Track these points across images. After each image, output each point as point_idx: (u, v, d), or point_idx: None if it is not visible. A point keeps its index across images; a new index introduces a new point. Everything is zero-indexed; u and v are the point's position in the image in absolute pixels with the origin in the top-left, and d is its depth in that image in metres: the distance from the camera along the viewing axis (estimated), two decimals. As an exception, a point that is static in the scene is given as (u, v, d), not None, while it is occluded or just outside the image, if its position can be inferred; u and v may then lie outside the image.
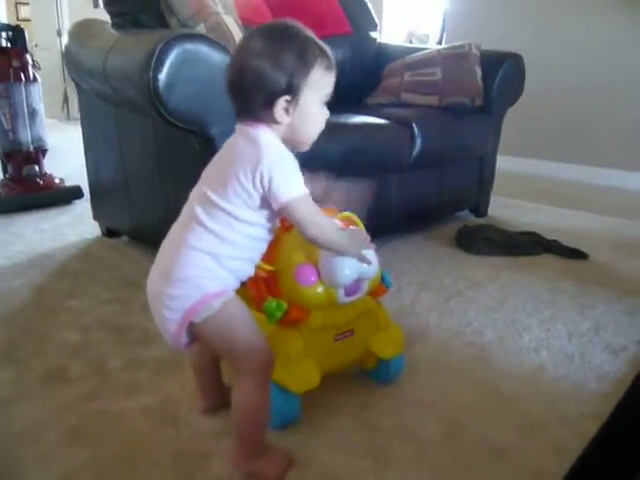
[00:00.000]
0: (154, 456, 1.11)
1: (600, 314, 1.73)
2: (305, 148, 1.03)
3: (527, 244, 2.28)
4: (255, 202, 0.94)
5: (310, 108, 0.97)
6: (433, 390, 1.34)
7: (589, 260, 2.20)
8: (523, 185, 3.46)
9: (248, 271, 1.04)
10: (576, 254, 2.22)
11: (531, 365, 1.45)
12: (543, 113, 3.67)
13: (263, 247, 1.04)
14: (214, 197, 0.94)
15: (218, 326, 0.97)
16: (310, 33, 0.98)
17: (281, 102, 0.94)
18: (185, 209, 1.00)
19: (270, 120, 0.96)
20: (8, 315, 1.72)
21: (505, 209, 2.87)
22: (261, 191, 0.93)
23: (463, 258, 2.20)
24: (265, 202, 0.95)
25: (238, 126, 0.99)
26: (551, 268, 2.11)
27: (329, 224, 1.03)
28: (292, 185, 0.94)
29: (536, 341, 1.57)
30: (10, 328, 1.64)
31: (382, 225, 2.22)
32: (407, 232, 2.42)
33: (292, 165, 0.95)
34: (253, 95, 0.95)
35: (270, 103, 0.94)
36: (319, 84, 0.96)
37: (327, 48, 0.98)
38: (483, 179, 2.67)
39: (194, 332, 0.98)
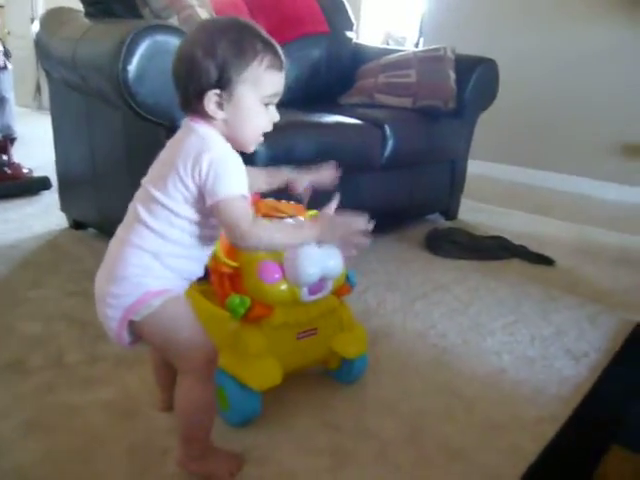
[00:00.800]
0: (109, 450, 1.10)
1: (563, 319, 1.76)
2: (248, 148, 0.98)
3: (495, 248, 2.31)
4: (194, 197, 0.91)
5: (247, 106, 0.92)
6: (395, 391, 1.35)
7: (555, 266, 2.23)
8: (493, 190, 3.50)
9: (195, 271, 1.01)
10: (542, 259, 2.25)
11: (493, 368, 1.47)
12: (515, 119, 3.72)
13: (209, 246, 1.00)
14: (155, 192, 0.92)
15: (157, 324, 0.95)
16: (259, 29, 0.93)
17: (211, 95, 0.90)
18: (130, 208, 0.97)
19: (204, 114, 0.92)
20: (-33, 305, 1.69)
21: (475, 213, 2.90)
22: (197, 185, 0.89)
23: (431, 260, 2.22)
24: (203, 199, 0.91)
25: (183, 120, 0.96)
26: (517, 273, 2.13)
27: (263, 227, 0.95)
28: (229, 184, 0.89)
29: (499, 345, 1.59)
30: (-31, 319, 1.61)
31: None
32: (377, 233, 2.38)
33: (234, 163, 0.92)
34: (187, 85, 0.91)
35: (201, 95, 0.90)
36: (259, 82, 0.91)
37: (276, 47, 0.94)
38: (454, 182, 2.70)
39: (136, 331, 0.97)
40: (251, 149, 0.98)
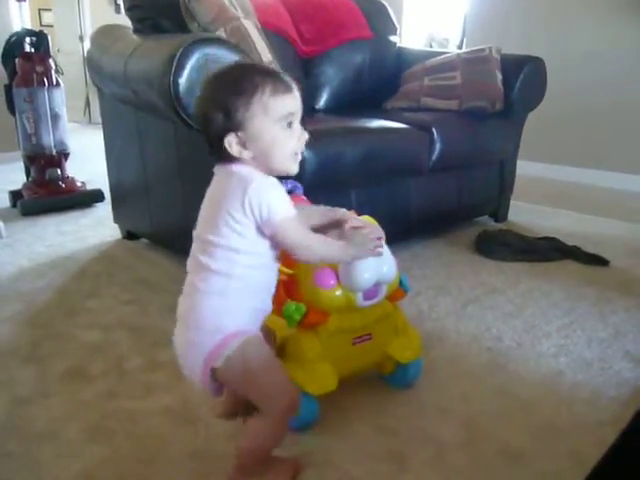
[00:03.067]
0: (171, 455, 1.12)
1: (620, 321, 1.71)
2: (289, 172, 1.00)
3: (547, 250, 2.26)
4: (250, 231, 0.94)
5: (266, 136, 0.94)
6: (451, 394, 1.34)
7: (610, 266, 2.17)
8: (544, 190, 3.43)
9: (265, 301, 1.03)
10: (597, 260, 2.20)
11: (550, 371, 1.44)
12: (564, 117, 3.65)
13: (272, 278, 1.03)
14: (210, 237, 0.95)
15: (237, 367, 0.96)
16: (257, 64, 0.98)
17: (229, 139, 0.93)
18: (189, 263, 1.00)
19: (235, 158, 0.95)
20: (30, 315, 1.75)
21: (525, 214, 2.85)
22: (252, 219, 0.93)
23: (482, 263, 2.19)
24: (259, 230, 0.94)
25: (216, 168, 1.00)
26: (571, 274, 2.08)
27: (318, 243, 1.00)
28: (279, 208, 0.93)
29: (555, 347, 1.55)
30: (32, 328, 1.66)
31: (401, 230, 2.22)
32: (426, 237, 2.42)
33: (277, 189, 0.95)
34: (208, 138, 0.96)
35: (222, 142, 0.94)
36: (268, 110, 0.93)
37: (277, 73, 0.97)
38: (503, 184, 2.66)
39: (219, 378, 0.98)
40: (293, 171, 1.00)
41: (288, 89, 0.96)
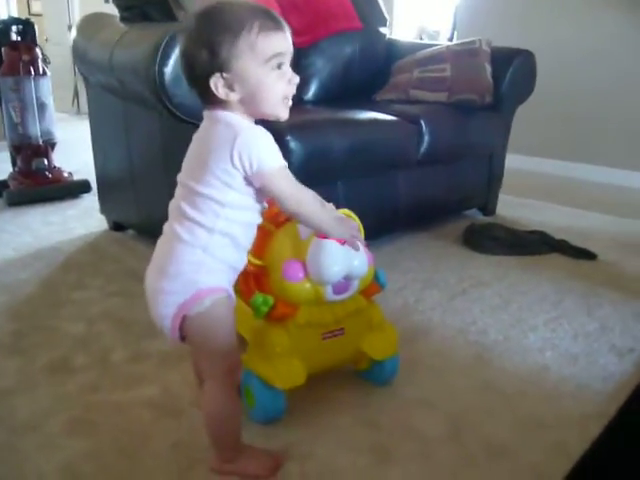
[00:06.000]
0: (154, 447, 1.12)
1: (607, 315, 1.72)
2: (279, 116, 0.97)
3: (535, 243, 2.27)
4: (236, 181, 0.92)
5: (254, 77, 0.90)
6: (436, 388, 1.34)
7: (598, 260, 2.18)
8: (532, 184, 3.44)
9: (242, 258, 1.02)
10: (584, 254, 2.20)
11: (535, 365, 1.44)
12: (553, 111, 3.65)
13: (253, 232, 1.02)
14: (195, 185, 0.93)
15: (202, 324, 0.96)
16: (245, 2, 0.93)
17: (214, 80, 0.90)
18: (172, 205, 0.98)
19: (222, 101, 0.92)
20: (14, 306, 1.73)
21: (514, 208, 2.85)
22: (241, 170, 0.91)
23: (470, 257, 2.19)
24: (247, 181, 0.93)
25: (205, 112, 0.97)
26: (559, 268, 2.09)
27: (311, 197, 1.00)
28: (269, 157, 0.91)
29: (541, 341, 1.56)
30: (16, 319, 1.65)
31: (389, 222, 2.22)
32: (414, 230, 2.41)
33: (266, 139, 0.93)
34: (192, 79, 0.93)
35: (207, 83, 0.90)
36: (257, 48, 0.89)
37: (267, 10, 0.92)
38: (492, 177, 2.66)
39: (185, 327, 0.98)
40: (283, 116, 0.97)
41: (278, 27, 0.92)
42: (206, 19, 0.91)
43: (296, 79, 0.96)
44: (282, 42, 0.92)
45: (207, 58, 0.89)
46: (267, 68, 0.91)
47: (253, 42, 0.89)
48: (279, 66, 0.93)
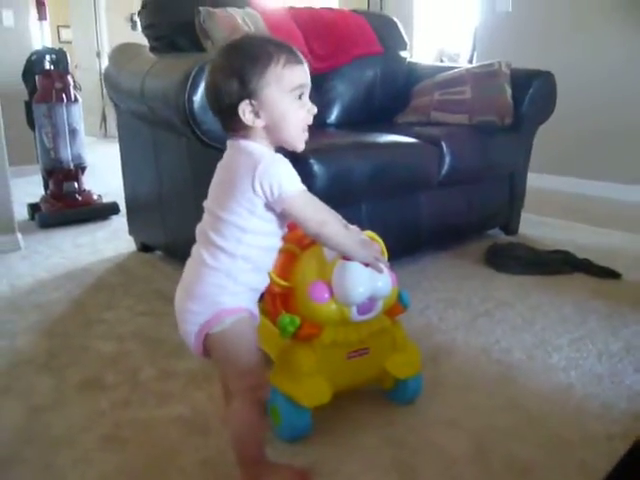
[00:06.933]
0: (183, 464, 1.14)
1: (632, 334, 1.71)
2: (297, 147, 1.03)
3: (558, 263, 2.26)
4: (258, 208, 0.97)
5: (278, 105, 0.97)
6: (460, 407, 1.34)
7: (622, 279, 2.16)
8: (554, 203, 3.43)
9: (262, 280, 1.07)
10: (608, 273, 2.19)
11: (560, 384, 1.44)
12: (574, 130, 3.64)
13: (273, 256, 1.06)
14: (219, 212, 0.98)
15: (224, 341, 1.01)
16: (269, 35, 1.00)
17: (243, 106, 0.96)
18: (198, 229, 1.04)
19: (246, 128, 0.98)
20: (47, 326, 1.79)
21: (536, 227, 2.84)
22: (262, 196, 0.95)
23: (492, 276, 2.20)
24: (267, 207, 0.97)
25: (228, 142, 1.03)
26: (582, 287, 2.08)
27: (333, 219, 1.03)
28: (289, 183, 0.96)
29: (565, 361, 1.56)
30: (49, 338, 1.70)
31: (411, 243, 2.24)
32: (436, 250, 2.43)
33: (285, 165, 0.97)
34: (220, 108, 0.99)
35: (234, 110, 0.96)
36: (282, 80, 0.96)
37: (289, 45, 1.00)
38: (513, 197, 2.66)
39: (207, 344, 1.02)
40: (300, 147, 1.03)
41: (300, 61, 1.00)
42: (237, 51, 0.98)
43: (314, 110, 1.02)
44: (303, 75, 1.00)
45: (237, 87, 0.95)
46: (290, 97, 0.98)
47: (280, 74, 0.96)
48: (300, 97, 1.00)
